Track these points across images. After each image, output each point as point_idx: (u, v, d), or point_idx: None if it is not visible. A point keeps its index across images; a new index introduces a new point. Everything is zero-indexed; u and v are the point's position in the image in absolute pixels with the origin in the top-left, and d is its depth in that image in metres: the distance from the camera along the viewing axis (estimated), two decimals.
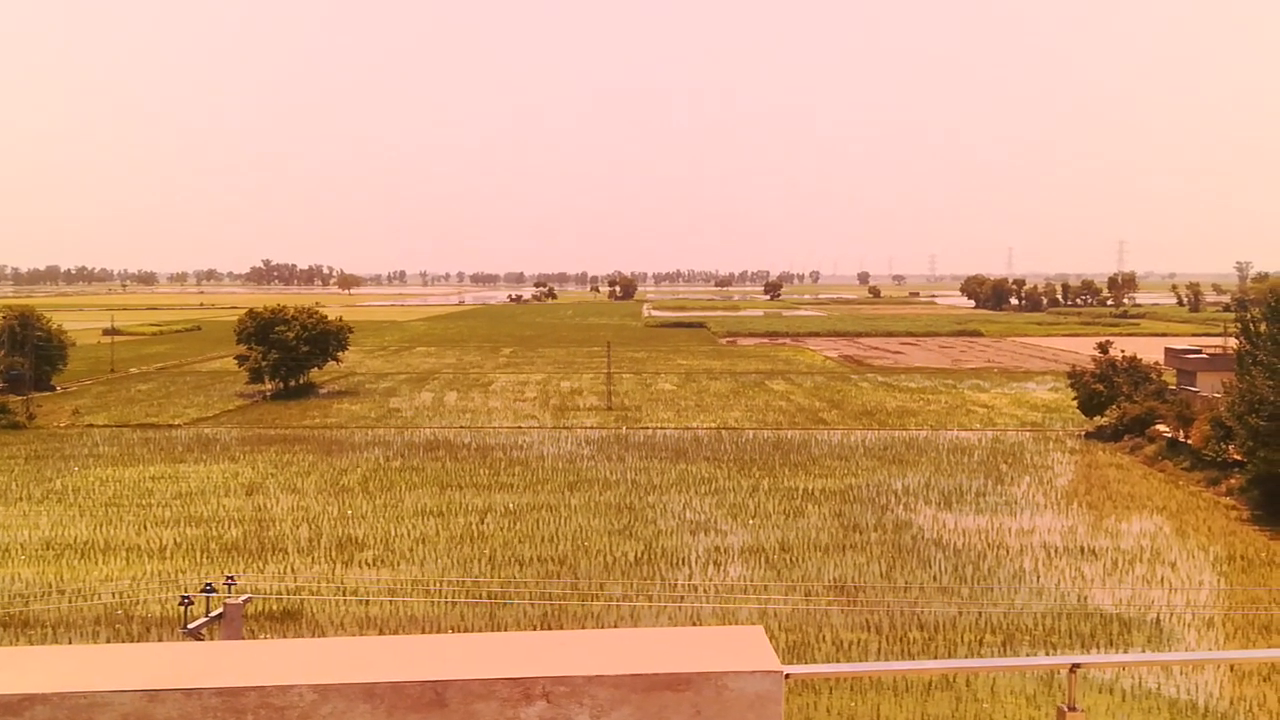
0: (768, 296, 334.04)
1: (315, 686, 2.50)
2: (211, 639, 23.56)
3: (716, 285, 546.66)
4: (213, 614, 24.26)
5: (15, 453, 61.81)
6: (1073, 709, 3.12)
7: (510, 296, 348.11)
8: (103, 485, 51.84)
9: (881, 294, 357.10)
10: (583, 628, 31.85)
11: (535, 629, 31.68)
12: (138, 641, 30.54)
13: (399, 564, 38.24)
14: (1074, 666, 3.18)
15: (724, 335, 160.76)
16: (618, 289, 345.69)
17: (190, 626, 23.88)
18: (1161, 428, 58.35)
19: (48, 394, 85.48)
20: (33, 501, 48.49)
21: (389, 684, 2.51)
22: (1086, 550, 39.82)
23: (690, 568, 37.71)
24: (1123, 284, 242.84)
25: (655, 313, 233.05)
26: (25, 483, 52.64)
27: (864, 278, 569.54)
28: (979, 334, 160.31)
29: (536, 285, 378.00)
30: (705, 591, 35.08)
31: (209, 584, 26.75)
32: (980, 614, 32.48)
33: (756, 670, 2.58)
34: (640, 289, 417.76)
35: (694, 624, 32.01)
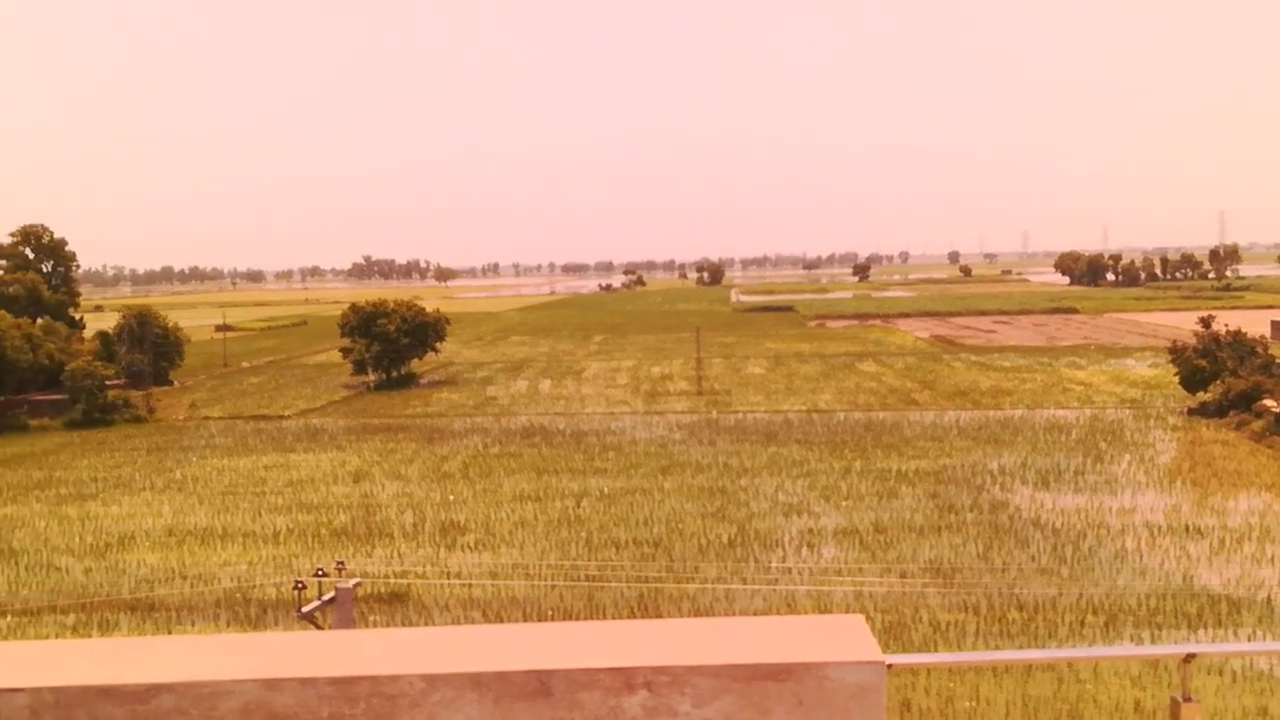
0: (856, 278, 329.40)
1: (424, 676, 2.56)
2: (325, 622, 24.42)
3: (804, 269, 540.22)
4: (325, 598, 24.80)
5: (138, 445, 64.91)
6: (1188, 700, 2.99)
7: (600, 285, 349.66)
8: (219, 474, 54.18)
9: (973, 272, 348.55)
10: (678, 609, 32.38)
11: (632, 611, 32.31)
12: (257, 624, 32.03)
13: (499, 547, 39.25)
14: (1188, 656, 3.04)
15: (812, 318, 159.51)
16: (705, 275, 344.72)
17: (305, 610, 24.38)
18: (1269, 403, 56.48)
19: (166, 388, 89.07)
20: (155, 491, 50.91)
21: (495, 673, 2.57)
22: (1191, 529, 38.91)
23: (784, 550, 37.98)
24: (1225, 256, 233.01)
25: (743, 297, 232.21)
26: (148, 473, 55.30)
27: (954, 256, 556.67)
28: (1075, 311, 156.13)
29: (625, 273, 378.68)
30: (799, 574, 35.30)
31: (320, 569, 27.58)
32: (1081, 594, 32.02)
33: (858, 660, 2.57)
34: (728, 274, 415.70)
35: (789, 606, 32.31)
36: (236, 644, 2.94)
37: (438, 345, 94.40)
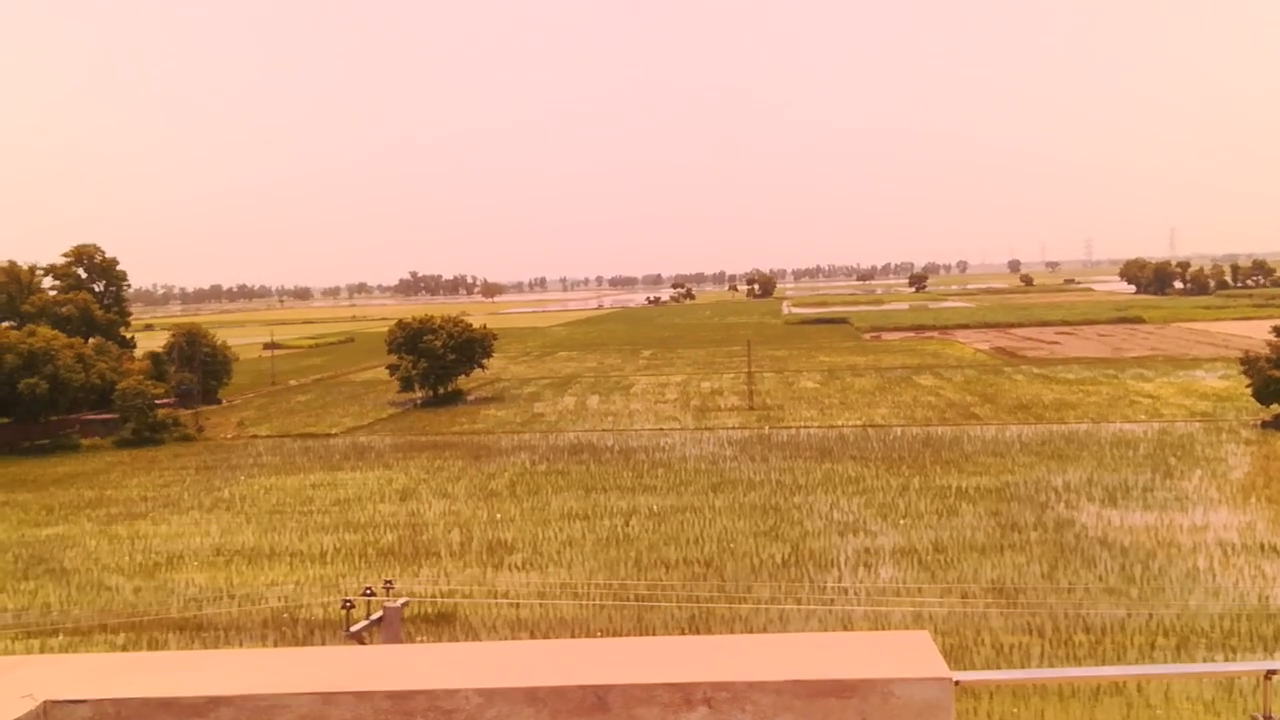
0: (913, 289, 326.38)
1: (480, 690, 2.55)
2: (372, 641, 24.19)
3: (858, 279, 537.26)
4: (373, 617, 24.87)
5: (187, 464, 65.45)
6: (1269, 718, 2.87)
7: (648, 299, 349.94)
8: (267, 493, 54.31)
9: (1034, 282, 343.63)
10: (731, 631, 31.51)
11: (683, 632, 31.49)
12: (304, 643, 31.77)
13: (547, 567, 38.68)
14: (1269, 673, 2.94)
15: (867, 330, 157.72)
16: (756, 287, 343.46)
17: (353, 629, 24.53)
18: None
19: (214, 407, 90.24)
20: (203, 510, 51.14)
21: (551, 688, 2.54)
22: (1267, 547, 37.27)
23: (839, 569, 36.92)
24: None
25: (795, 309, 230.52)
26: (196, 492, 55.62)
27: (1015, 265, 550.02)
28: (1141, 321, 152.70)
29: (674, 286, 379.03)
30: (856, 594, 34.26)
31: (369, 588, 27.44)
32: (1151, 616, 30.74)
33: (925, 677, 2.51)
34: (779, 286, 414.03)
35: (845, 627, 31.29)
36: (293, 658, 2.94)
37: (485, 361, 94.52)
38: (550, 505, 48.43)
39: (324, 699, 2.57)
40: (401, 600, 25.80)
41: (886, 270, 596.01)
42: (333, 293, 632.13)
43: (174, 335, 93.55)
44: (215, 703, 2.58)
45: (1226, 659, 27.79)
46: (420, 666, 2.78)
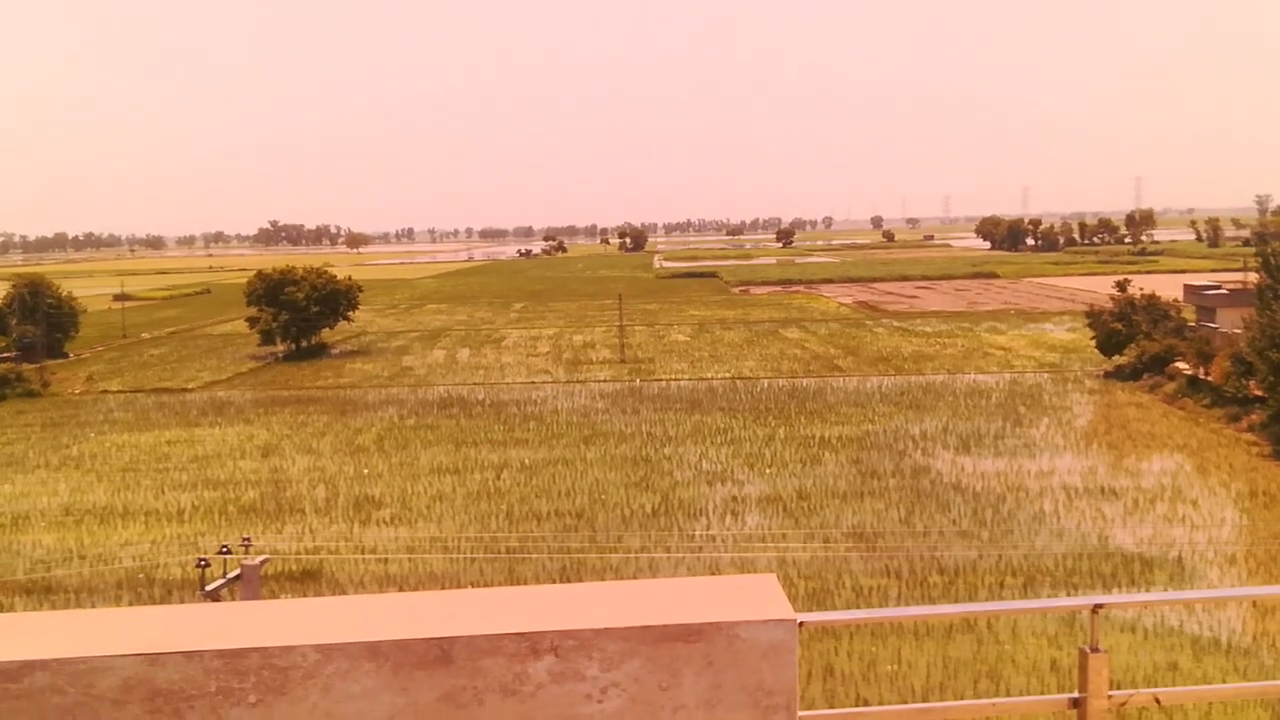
0: (780, 244, 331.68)
1: (318, 646, 2.48)
2: (231, 600, 23.66)
3: (728, 234, 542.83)
4: (230, 575, 24.35)
5: (31, 420, 62.17)
6: (1095, 650, 3.03)
7: (519, 251, 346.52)
8: (119, 450, 52.09)
9: (895, 238, 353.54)
10: (601, 580, 31.83)
11: (554, 583, 31.65)
12: (160, 604, 30.75)
13: (416, 522, 38.34)
14: (1096, 607, 3.10)
15: (736, 284, 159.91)
16: (628, 241, 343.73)
17: (209, 588, 24.05)
18: (1181, 365, 57.82)
19: (61, 361, 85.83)
20: (50, 469, 48.79)
21: (393, 642, 2.49)
22: (1107, 490, 39.64)
23: (708, 518, 37.70)
24: (1140, 221, 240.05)
25: (666, 264, 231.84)
26: (43, 450, 52.94)
27: (877, 222, 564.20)
28: (995, 276, 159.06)
29: (546, 239, 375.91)
30: (723, 541, 35.09)
31: (225, 546, 26.78)
32: (1000, 556, 32.43)
33: (769, 619, 2.53)
34: (651, 240, 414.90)
35: (712, 574, 31.89)
36: (117, 618, 2.79)
37: (350, 314, 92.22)
38: (420, 460, 47.88)
39: (149, 660, 2.46)
40: (261, 558, 25.25)
41: (755, 226, 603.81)
42: (188, 242, 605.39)
43: (15, 286, 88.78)
44: (30, 667, 2.45)
45: (1068, 595, 29.47)
46: (255, 623, 2.67)
